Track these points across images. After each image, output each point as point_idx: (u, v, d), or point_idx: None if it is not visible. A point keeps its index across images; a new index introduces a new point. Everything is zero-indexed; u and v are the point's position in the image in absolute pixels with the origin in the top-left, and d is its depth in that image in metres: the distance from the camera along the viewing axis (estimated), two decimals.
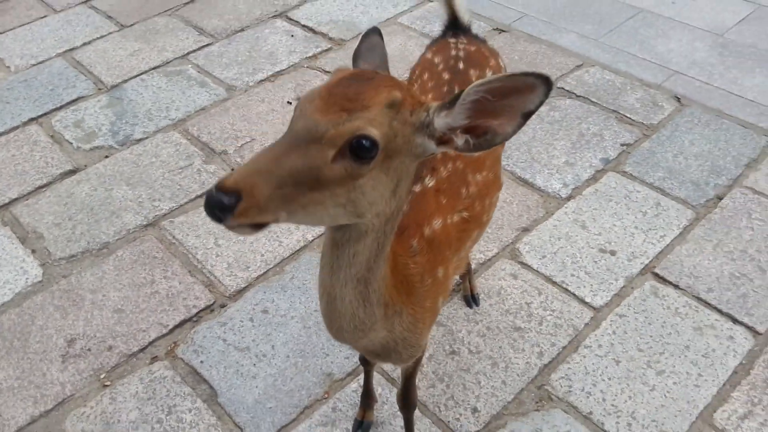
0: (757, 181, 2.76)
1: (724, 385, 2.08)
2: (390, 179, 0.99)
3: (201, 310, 2.37)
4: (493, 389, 2.08)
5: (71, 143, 3.09)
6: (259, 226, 0.91)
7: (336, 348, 2.22)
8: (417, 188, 1.44)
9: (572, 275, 2.42)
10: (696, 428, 1.98)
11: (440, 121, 0.99)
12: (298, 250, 2.56)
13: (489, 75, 1.65)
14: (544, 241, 2.54)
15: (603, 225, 2.60)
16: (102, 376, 2.18)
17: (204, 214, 2.70)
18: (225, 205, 0.86)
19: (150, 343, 2.27)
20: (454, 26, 1.86)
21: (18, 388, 2.15)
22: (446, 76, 1.66)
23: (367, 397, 2.01)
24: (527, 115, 0.96)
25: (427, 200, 1.44)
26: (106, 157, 3.02)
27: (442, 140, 1.01)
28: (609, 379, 2.10)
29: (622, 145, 2.96)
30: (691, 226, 2.58)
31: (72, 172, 2.95)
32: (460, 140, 1.00)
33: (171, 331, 2.31)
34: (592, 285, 2.38)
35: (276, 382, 2.14)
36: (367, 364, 1.94)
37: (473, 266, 2.41)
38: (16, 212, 2.76)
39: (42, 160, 3.00)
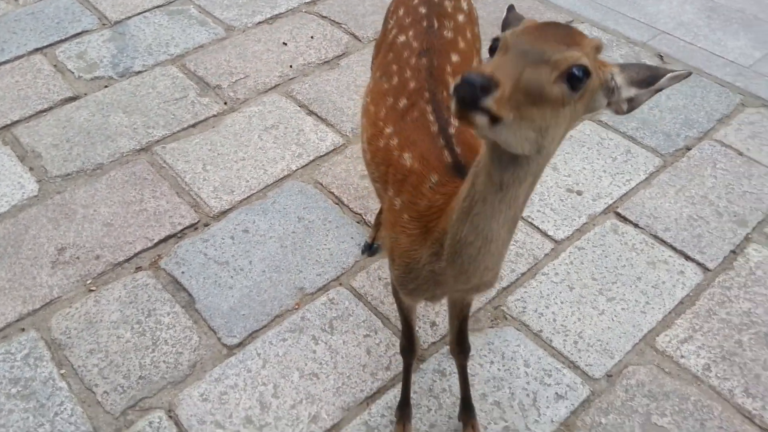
0: (726, 135, 2.86)
1: (669, 313, 2.21)
2: (571, 120, 1.05)
3: (185, 228, 2.51)
4: None
5: (73, 73, 3.22)
6: (495, 121, 0.95)
7: (310, 265, 2.37)
8: (451, 129, 1.51)
9: (538, 211, 2.54)
10: (638, 349, 2.11)
11: (626, 91, 1.09)
12: (281, 178, 2.70)
13: (464, 5, 1.78)
14: None
15: (573, 168, 2.71)
16: (88, 282, 2.34)
17: (195, 141, 2.87)
18: (487, 86, 0.91)
19: (135, 255, 2.42)
20: None
21: (9, 289, 2.31)
22: (422, 10, 1.71)
23: (406, 405, 1.91)
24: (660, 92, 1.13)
25: (466, 133, 1.52)
26: (106, 86, 3.16)
27: (610, 102, 1.10)
28: (561, 302, 2.24)
29: None
30: (658, 173, 2.69)
31: (72, 99, 3.08)
32: (624, 105, 1.11)
33: (156, 244, 2.46)
34: (555, 220, 2.51)
35: (251, 293, 2.29)
36: (411, 355, 1.86)
37: None
38: (17, 133, 2.91)
39: (44, 87, 3.14)
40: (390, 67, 1.67)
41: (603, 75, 1.07)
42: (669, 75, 1.08)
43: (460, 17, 1.75)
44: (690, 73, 1.09)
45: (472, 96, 0.91)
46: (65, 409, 1.96)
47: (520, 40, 1.01)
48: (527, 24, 1.07)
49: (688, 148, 2.80)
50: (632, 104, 1.11)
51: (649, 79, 1.09)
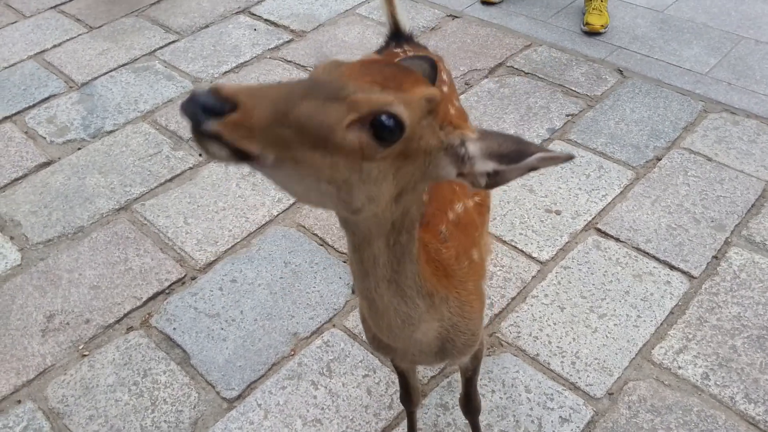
0: (693, 142, 2.95)
1: (661, 324, 2.25)
2: (395, 183, 0.89)
3: (173, 283, 2.50)
4: None
5: (45, 138, 3.21)
6: (238, 156, 0.76)
7: (301, 309, 2.37)
8: None
9: (520, 234, 2.58)
10: (635, 363, 2.14)
11: (482, 163, 0.92)
12: (264, 225, 2.71)
13: (445, 77, 1.70)
14: (494, 205, 2.71)
15: (549, 188, 2.77)
16: (80, 347, 2.30)
17: (174, 196, 2.86)
18: (213, 107, 0.73)
19: (125, 315, 2.40)
20: (397, 36, 1.83)
21: (1, 361, 2.27)
22: None
23: None
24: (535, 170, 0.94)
25: (443, 188, 1.42)
26: (79, 149, 3.15)
27: (462, 173, 0.94)
28: (554, 324, 2.26)
29: (567, 115, 3.14)
30: (631, 185, 2.76)
31: (46, 164, 3.06)
32: (481, 180, 0.93)
33: (145, 303, 2.44)
34: (538, 242, 2.55)
35: (245, 343, 2.28)
36: (410, 405, 1.85)
37: None
38: None
39: (17, 155, 3.12)
40: None
41: (446, 137, 0.91)
42: (541, 155, 0.88)
43: (444, 88, 1.67)
44: (572, 156, 0.91)
45: (192, 114, 0.73)
46: None
47: (329, 71, 0.86)
48: (360, 59, 0.92)
49: (658, 159, 2.88)
50: (496, 180, 0.92)
51: (514, 154, 0.90)
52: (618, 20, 3.79)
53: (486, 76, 3.42)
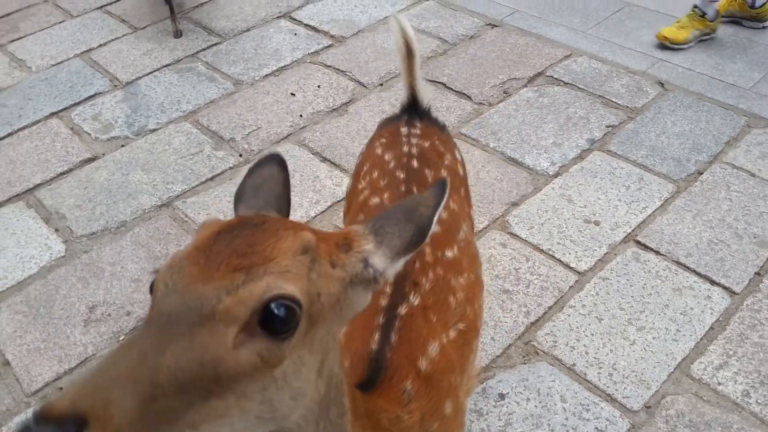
0: (736, 157, 2.91)
1: (701, 339, 2.22)
2: (315, 356, 0.73)
3: None
4: (482, 345, 2.24)
5: (90, 134, 3.29)
6: None
7: None
8: (402, 310, 1.22)
9: (558, 243, 2.57)
10: (674, 378, 2.12)
11: (391, 268, 0.81)
12: None
13: (444, 175, 1.52)
14: (532, 214, 2.70)
15: (588, 198, 2.76)
16: (121, 338, 2.35)
17: (214, 194, 2.91)
18: None
19: None
20: (412, 108, 1.68)
21: (44, 349, 2.33)
22: (401, 175, 1.49)
23: None
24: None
25: (417, 324, 1.22)
26: (123, 146, 3.22)
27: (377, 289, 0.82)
28: (592, 334, 2.25)
29: (607, 126, 3.13)
30: (672, 198, 2.74)
31: (91, 159, 3.14)
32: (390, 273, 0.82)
33: None
34: (576, 252, 2.54)
35: None
36: None
37: None
38: (40, 196, 2.96)
39: (63, 150, 3.20)
40: None
41: (345, 272, 0.77)
42: (436, 216, 0.83)
43: None
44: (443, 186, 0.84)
45: None
46: None
47: (175, 279, 0.67)
48: (198, 236, 0.73)
49: (700, 173, 2.85)
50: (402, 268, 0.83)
51: (417, 236, 0.81)
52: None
53: (525, 85, 3.42)
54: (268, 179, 0.96)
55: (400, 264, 0.81)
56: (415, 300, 1.25)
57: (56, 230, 2.79)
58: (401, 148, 1.54)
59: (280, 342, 0.67)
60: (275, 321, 0.66)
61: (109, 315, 2.43)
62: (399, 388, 1.13)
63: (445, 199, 0.85)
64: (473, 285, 1.41)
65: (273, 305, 0.66)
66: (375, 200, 1.47)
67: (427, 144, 1.57)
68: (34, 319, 2.43)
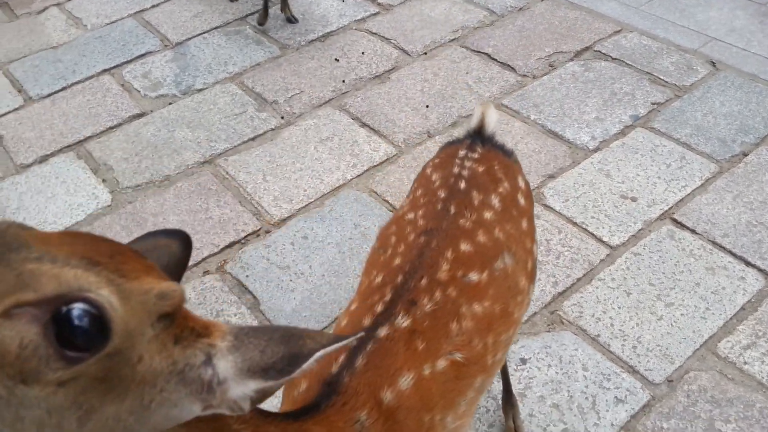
0: None
1: (730, 319, 2.20)
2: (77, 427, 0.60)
3: (248, 234, 2.62)
4: None
5: (139, 91, 3.40)
6: None
7: None
8: (382, 332, 1.13)
9: (592, 217, 2.56)
10: (699, 354, 2.11)
11: (240, 387, 0.69)
12: (337, 187, 2.79)
13: (495, 202, 1.43)
14: (568, 187, 2.69)
15: (627, 174, 2.73)
16: None
17: (255, 154, 2.99)
18: None
19: (203, 260, 2.54)
20: (477, 133, 1.60)
21: None
22: (442, 194, 1.42)
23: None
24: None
25: (394, 350, 1.12)
26: (170, 103, 3.32)
27: (211, 405, 0.69)
28: (619, 308, 2.25)
29: (652, 104, 3.07)
30: (714, 179, 2.68)
31: (139, 115, 3.25)
32: (244, 404, 0.69)
33: (221, 250, 2.57)
34: (610, 226, 2.52)
35: (311, 295, 2.37)
36: None
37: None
38: (90, 148, 3.08)
39: (113, 105, 3.32)
40: (389, 239, 1.39)
41: (183, 355, 0.66)
42: (321, 353, 0.69)
43: (487, 214, 1.40)
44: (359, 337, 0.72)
45: None
46: None
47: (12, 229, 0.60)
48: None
49: (745, 154, 2.78)
50: (261, 397, 0.69)
51: (283, 362, 0.68)
52: (716, 10, 3.64)
53: (571, 59, 3.37)
54: (162, 248, 0.86)
55: (252, 386, 0.67)
56: (403, 322, 1.15)
57: (103, 181, 2.91)
58: (451, 169, 1.48)
59: (55, 354, 0.53)
60: (70, 325, 0.53)
61: None
62: (350, 416, 1.02)
63: (340, 349, 0.71)
64: (495, 318, 1.27)
65: (79, 308, 0.54)
66: (410, 216, 1.41)
67: (482, 168, 1.48)
68: None
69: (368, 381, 1.07)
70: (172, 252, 0.88)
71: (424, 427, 1.12)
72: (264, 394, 0.69)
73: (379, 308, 1.19)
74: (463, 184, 1.42)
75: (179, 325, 0.67)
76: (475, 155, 1.51)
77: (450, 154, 1.54)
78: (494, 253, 1.33)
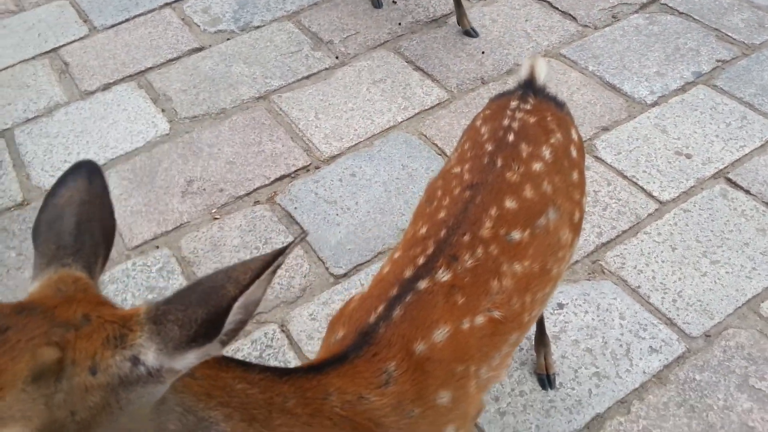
0: None
1: None
2: None
3: (298, 169, 2.69)
4: None
5: (199, 26, 3.47)
6: None
7: (411, 210, 2.48)
8: (422, 285, 1.16)
9: (644, 171, 2.53)
10: (740, 313, 2.09)
11: (181, 360, 0.69)
12: (387, 129, 2.82)
13: (546, 153, 1.41)
14: (621, 140, 2.65)
15: (683, 131, 2.66)
16: (213, 211, 2.56)
17: (309, 92, 3.03)
18: None
19: (254, 190, 2.62)
20: (527, 86, 1.56)
21: (145, 212, 2.58)
22: (489, 147, 1.40)
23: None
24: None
25: (432, 302, 1.15)
26: (228, 39, 3.38)
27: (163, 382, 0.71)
28: (662, 262, 2.24)
29: (717, 61, 2.96)
30: None
31: (198, 49, 3.32)
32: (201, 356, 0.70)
33: (272, 182, 2.65)
34: (661, 182, 2.48)
35: (356, 230, 2.43)
36: None
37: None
38: (150, 78, 3.18)
39: (173, 38, 3.40)
40: (435, 192, 1.39)
41: (113, 373, 0.68)
42: (242, 300, 0.68)
43: (536, 165, 1.39)
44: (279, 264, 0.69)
45: None
46: None
47: None
48: None
49: None
50: (208, 357, 0.70)
51: (207, 326, 0.67)
52: None
53: (636, 11, 3.26)
54: (71, 203, 0.82)
55: (190, 357, 0.68)
56: (443, 276, 1.17)
57: (162, 110, 3.01)
58: (501, 121, 1.45)
59: None
60: None
61: (204, 189, 2.64)
62: (378, 367, 1.05)
63: (269, 278, 0.70)
64: (534, 277, 1.28)
65: None
66: (456, 169, 1.40)
67: (533, 119, 1.45)
68: (138, 185, 2.68)
69: (403, 332, 1.09)
70: (82, 196, 0.83)
71: (456, 377, 1.14)
72: (211, 354, 0.69)
73: (421, 260, 1.20)
74: (511, 137, 1.41)
75: (89, 356, 0.67)
76: (527, 106, 1.48)
77: (501, 106, 1.51)
78: (539, 209, 1.33)
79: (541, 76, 1.56)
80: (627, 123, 2.72)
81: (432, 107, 2.90)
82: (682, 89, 2.85)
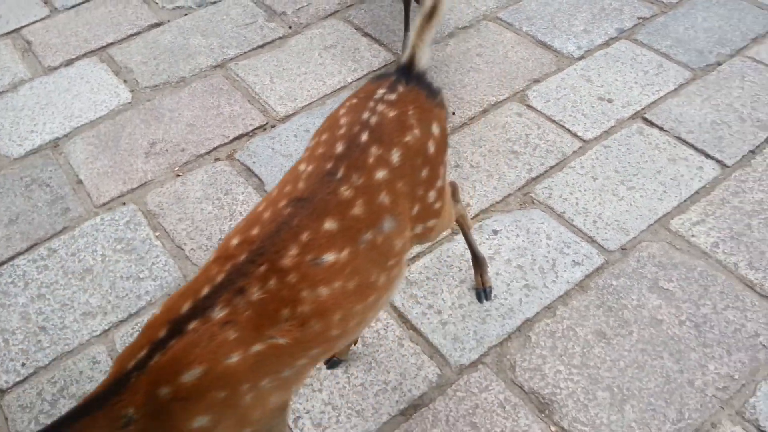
0: (759, 52, 3.00)
1: (684, 200, 2.44)
2: None
3: (256, 128, 2.89)
4: (485, 192, 2.52)
5: (157, 3, 3.63)
6: None
7: None
8: (192, 325, 1.16)
9: (570, 116, 2.79)
10: (653, 229, 2.36)
11: None
12: (338, 89, 3.03)
13: (395, 156, 1.36)
14: (550, 90, 2.91)
15: (606, 80, 2.93)
16: (176, 169, 2.74)
17: (264, 59, 3.23)
18: None
19: (214, 148, 2.81)
20: (404, 70, 1.49)
21: (111, 173, 2.75)
22: (339, 148, 1.34)
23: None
24: None
25: (195, 342, 1.15)
26: (186, 14, 3.55)
27: None
28: (585, 190, 2.50)
29: (638, 18, 3.24)
30: (687, 84, 2.88)
31: (157, 24, 3.49)
32: None
33: (231, 141, 2.84)
34: (585, 123, 2.75)
35: None
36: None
37: (479, 113, 2.80)
38: (112, 53, 3.34)
39: (133, 15, 3.56)
40: (271, 194, 1.36)
41: None
42: None
43: (380, 174, 1.34)
44: None
45: None
46: (160, 261, 2.38)
47: None
48: None
49: (719, 64, 2.97)
50: None
51: None
52: None
53: None
54: None
55: None
56: (219, 314, 1.16)
57: (125, 81, 3.17)
58: (361, 114, 1.39)
59: None
60: None
61: (166, 150, 2.82)
62: (119, 413, 1.13)
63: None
64: (348, 295, 1.27)
65: None
66: (301, 167, 1.37)
67: (393, 114, 1.39)
68: (103, 149, 2.85)
69: (152, 378, 1.13)
70: None
71: (218, 401, 1.18)
72: None
73: (205, 291, 1.19)
74: (365, 137, 1.35)
75: None
76: (392, 97, 1.43)
77: (369, 94, 1.46)
78: (367, 225, 1.31)
79: (421, 62, 1.49)
80: (556, 75, 2.98)
81: (379, 68, 3.12)
82: (606, 44, 3.12)
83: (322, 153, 1.36)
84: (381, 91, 1.45)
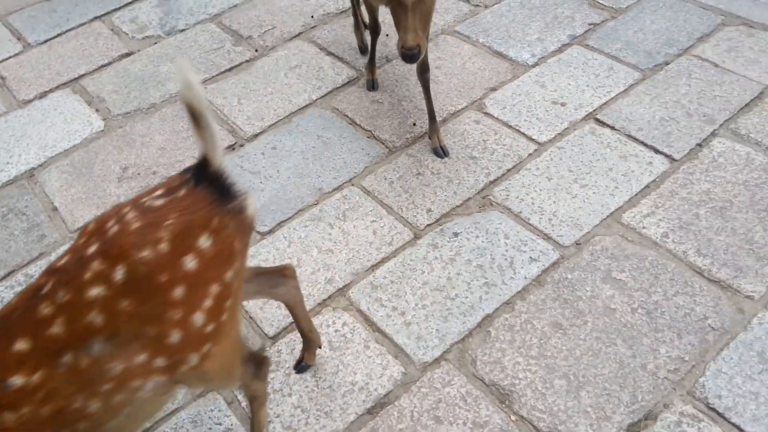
0: (704, 51, 3.14)
1: (635, 195, 2.54)
2: None
3: (225, 148, 2.98)
4: (445, 197, 2.62)
5: (127, 34, 3.74)
6: None
7: (327, 171, 2.80)
8: None
9: (525, 120, 2.90)
10: (605, 223, 2.46)
11: None
12: (304, 107, 3.14)
13: (119, 274, 1.19)
14: (507, 97, 3.02)
15: (559, 84, 3.05)
16: None
17: (231, 82, 3.34)
18: None
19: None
20: (199, 172, 1.34)
21: (85, 199, 2.83)
22: (63, 261, 1.25)
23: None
24: None
25: None
26: (155, 43, 3.66)
27: None
28: (540, 190, 2.60)
29: (589, 24, 3.38)
30: (636, 84, 3.00)
31: (128, 54, 3.60)
32: None
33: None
34: (540, 127, 2.86)
35: (278, 193, 2.74)
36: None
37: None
38: (84, 84, 3.44)
39: (104, 46, 3.67)
40: None
41: None
42: None
43: (94, 291, 1.19)
44: None
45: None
46: None
47: None
48: None
49: (667, 63, 3.10)
50: None
51: None
52: None
53: None
54: None
55: None
56: None
57: (97, 110, 3.27)
58: (107, 222, 1.25)
59: None
60: None
61: (138, 174, 2.91)
62: None
63: None
64: (41, 422, 1.20)
65: None
66: (36, 280, 1.27)
67: (139, 223, 1.23)
68: (77, 177, 2.93)
69: None
70: None
71: None
72: None
73: None
74: (93, 249, 1.22)
75: None
76: (159, 202, 1.26)
77: (158, 190, 1.31)
78: (71, 344, 1.20)
79: (215, 159, 1.32)
80: (512, 82, 3.10)
81: (343, 85, 3.23)
82: (559, 50, 3.25)
83: (53, 267, 1.27)
84: (159, 192, 1.29)
